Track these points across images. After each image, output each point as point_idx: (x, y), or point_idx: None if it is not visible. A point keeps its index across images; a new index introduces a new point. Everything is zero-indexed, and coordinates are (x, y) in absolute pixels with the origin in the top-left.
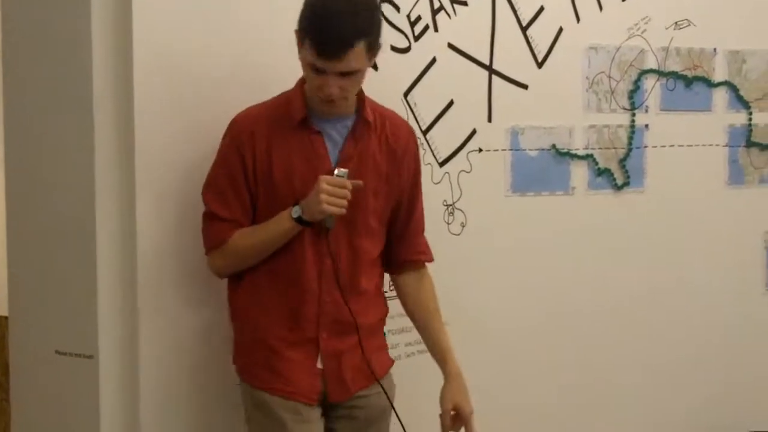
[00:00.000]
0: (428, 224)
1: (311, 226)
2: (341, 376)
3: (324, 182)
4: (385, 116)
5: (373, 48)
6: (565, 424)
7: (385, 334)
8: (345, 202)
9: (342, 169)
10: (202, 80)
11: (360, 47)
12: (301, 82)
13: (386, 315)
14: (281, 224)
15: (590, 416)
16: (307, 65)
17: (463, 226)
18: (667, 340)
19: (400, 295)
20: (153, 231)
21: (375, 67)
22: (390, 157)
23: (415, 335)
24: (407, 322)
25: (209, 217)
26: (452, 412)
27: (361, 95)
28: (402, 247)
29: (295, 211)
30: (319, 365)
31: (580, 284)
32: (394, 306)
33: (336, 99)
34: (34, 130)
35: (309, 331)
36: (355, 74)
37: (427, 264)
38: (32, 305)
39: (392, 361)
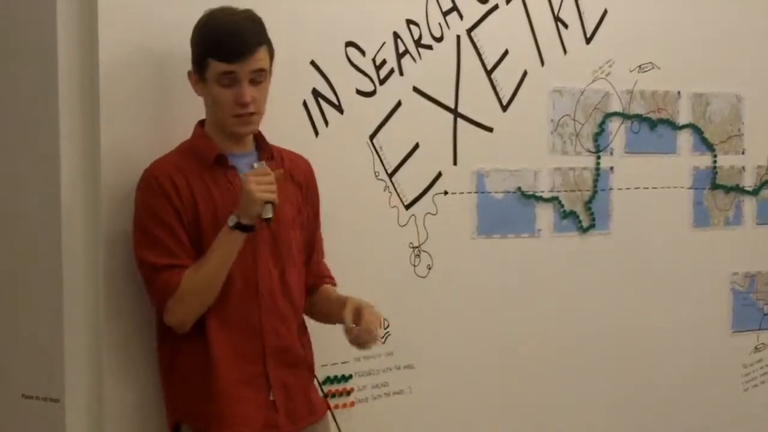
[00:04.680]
0: (394, 267)
1: (252, 230)
2: (293, 407)
3: (249, 175)
4: (282, 151)
5: (272, 56)
6: None
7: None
8: (274, 188)
9: (261, 162)
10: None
11: (264, 48)
12: (200, 126)
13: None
14: (225, 241)
15: None
16: (216, 84)
17: (430, 269)
18: (633, 383)
19: (311, 311)
20: (119, 277)
21: (341, 111)
22: (297, 189)
23: (382, 377)
24: (374, 364)
25: (154, 271)
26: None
27: (259, 134)
28: (310, 274)
29: (231, 220)
30: (271, 397)
31: (546, 327)
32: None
33: (250, 110)
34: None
35: (255, 364)
36: (263, 83)
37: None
38: None
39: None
